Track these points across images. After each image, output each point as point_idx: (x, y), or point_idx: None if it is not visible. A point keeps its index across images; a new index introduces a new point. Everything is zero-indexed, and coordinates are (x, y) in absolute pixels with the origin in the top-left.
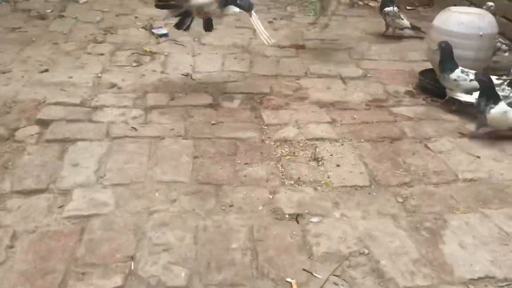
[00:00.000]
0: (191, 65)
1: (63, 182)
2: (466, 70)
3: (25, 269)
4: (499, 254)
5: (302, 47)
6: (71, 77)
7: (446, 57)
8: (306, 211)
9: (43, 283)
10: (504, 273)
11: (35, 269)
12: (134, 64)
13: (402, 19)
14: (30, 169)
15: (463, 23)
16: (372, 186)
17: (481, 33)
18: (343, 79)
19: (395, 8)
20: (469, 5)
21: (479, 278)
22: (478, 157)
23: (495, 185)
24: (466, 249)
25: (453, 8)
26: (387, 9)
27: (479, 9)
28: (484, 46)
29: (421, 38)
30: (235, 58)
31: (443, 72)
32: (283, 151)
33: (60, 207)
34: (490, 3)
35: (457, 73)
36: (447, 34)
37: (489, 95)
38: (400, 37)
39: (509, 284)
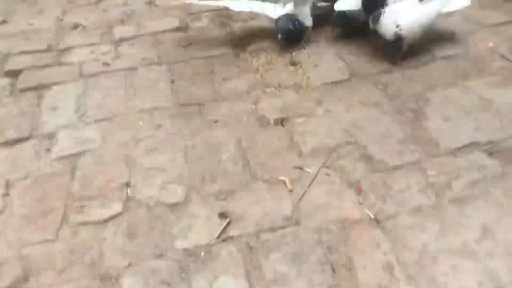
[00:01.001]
0: None
1: (46, 127)
2: None
3: (25, 213)
4: (482, 121)
5: None
6: (31, 24)
7: None
8: (290, 114)
9: (46, 222)
10: (487, 136)
11: (35, 211)
12: (94, 0)
13: None
14: (10, 120)
15: None
16: (352, 79)
17: None
18: None
19: None
20: None
21: (464, 146)
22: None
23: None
24: (450, 121)
25: None
26: None
27: None
28: None
29: None
30: None
31: None
32: (260, 61)
33: (47, 150)
34: None
35: None
36: None
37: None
38: None
39: (492, 146)
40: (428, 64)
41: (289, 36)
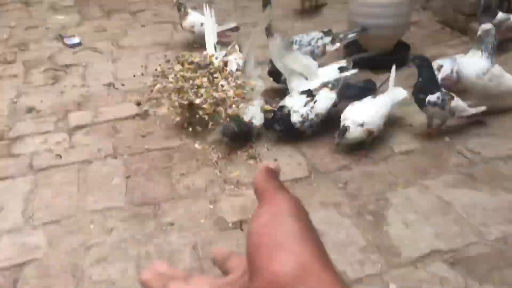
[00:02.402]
0: (112, 73)
1: None
2: None
3: None
4: (442, 226)
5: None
6: None
7: None
8: (250, 216)
9: None
10: (448, 244)
11: None
12: (51, 81)
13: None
14: None
15: None
16: (312, 176)
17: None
18: None
19: None
20: None
21: (425, 255)
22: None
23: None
24: (410, 226)
25: None
26: None
27: None
28: (401, 12)
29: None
30: (157, 58)
31: None
32: (219, 153)
33: None
34: None
35: None
36: (364, 5)
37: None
38: None
39: (453, 254)
40: (387, 159)
41: (235, 138)
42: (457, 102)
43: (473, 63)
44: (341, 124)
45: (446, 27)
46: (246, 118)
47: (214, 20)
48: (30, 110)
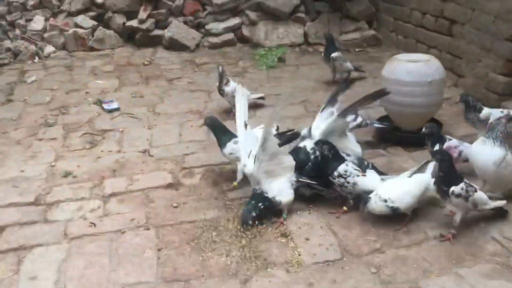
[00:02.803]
0: (147, 140)
1: None
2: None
3: None
4: None
5: (261, 105)
6: (22, 171)
7: None
8: None
9: None
10: None
11: None
12: (88, 146)
13: (347, 61)
14: None
15: (411, 72)
16: (344, 258)
17: (429, 79)
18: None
19: (340, 53)
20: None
21: None
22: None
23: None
24: None
25: (399, 56)
26: (334, 54)
27: (425, 55)
28: (434, 91)
29: (364, 77)
30: (191, 126)
31: None
32: (250, 228)
33: None
34: None
35: None
36: (397, 83)
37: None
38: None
39: None
40: (421, 244)
41: (259, 218)
42: (480, 195)
43: (488, 151)
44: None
45: None
46: (270, 195)
47: (246, 99)
48: (67, 174)
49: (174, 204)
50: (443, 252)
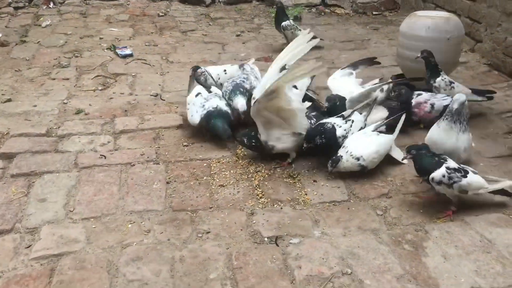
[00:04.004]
0: (160, 85)
1: (30, 220)
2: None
3: None
4: (483, 263)
5: (271, 59)
6: (35, 106)
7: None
8: (285, 233)
9: None
10: (490, 282)
11: None
12: (101, 87)
13: (300, 30)
14: None
15: (430, 27)
16: (351, 200)
17: (448, 36)
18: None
19: (291, 21)
20: (434, 8)
21: None
22: None
23: None
24: (450, 260)
25: (419, 13)
26: (284, 23)
27: (445, 12)
28: (451, 49)
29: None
30: None
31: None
32: (258, 169)
33: (28, 247)
34: None
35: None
36: (414, 39)
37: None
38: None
39: None
40: (429, 192)
41: (237, 141)
42: (472, 179)
43: (455, 138)
44: (338, 154)
45: (493, 70)
46: (263, 138)
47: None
48: (79, 111)
49: (184, 143)
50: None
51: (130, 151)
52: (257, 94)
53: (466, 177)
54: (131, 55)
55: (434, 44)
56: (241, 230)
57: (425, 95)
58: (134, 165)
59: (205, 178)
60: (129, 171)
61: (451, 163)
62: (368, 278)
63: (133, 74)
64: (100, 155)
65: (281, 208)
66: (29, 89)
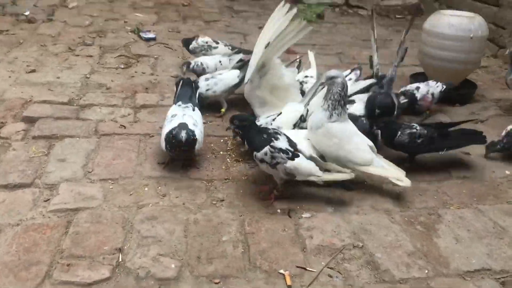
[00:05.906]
0: (180, 67)
1: (50, 177)
2: None
3: (8, 261)
4: (495, 247)
5: (293, 52)
6: (58, 77)
7: None
8: (298, 207)
9: (27, 275)
10: (501, 265)
11: (19, 260)
12: (123, 66)
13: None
14: (16, 164)
15: (454, 25)
16: (365, 183)
17: (471, 35)
18: None
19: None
20: None
21: (476, 270)
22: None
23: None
24: (462, 242)
25: (443, 11)
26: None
27: (470, 12)
28: (474, 48)
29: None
30: None
31: None
32: None
33: (46, 200)
34: None
35: None
36: (438, 36)
37: None
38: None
39: (506, 276)
40: (443, 181)
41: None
42: (299, 164)
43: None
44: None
45: None
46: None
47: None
48: (101, 86)
49: (203, 121)
50: (465, 190)
51: (150, 124)
52: (249, 74)
53: (293, 159)
54: (154, 39)
55: (457, 42)
56: (255, 201)
57: (422, 87)
58: (153, 136)
59: (221, 153)
60: (147, 141)
61: (281, 143)
62: (379, 252)
63: (155, 56)
64: (120, 125)
65: (296, 182)
66: (53, 62)
